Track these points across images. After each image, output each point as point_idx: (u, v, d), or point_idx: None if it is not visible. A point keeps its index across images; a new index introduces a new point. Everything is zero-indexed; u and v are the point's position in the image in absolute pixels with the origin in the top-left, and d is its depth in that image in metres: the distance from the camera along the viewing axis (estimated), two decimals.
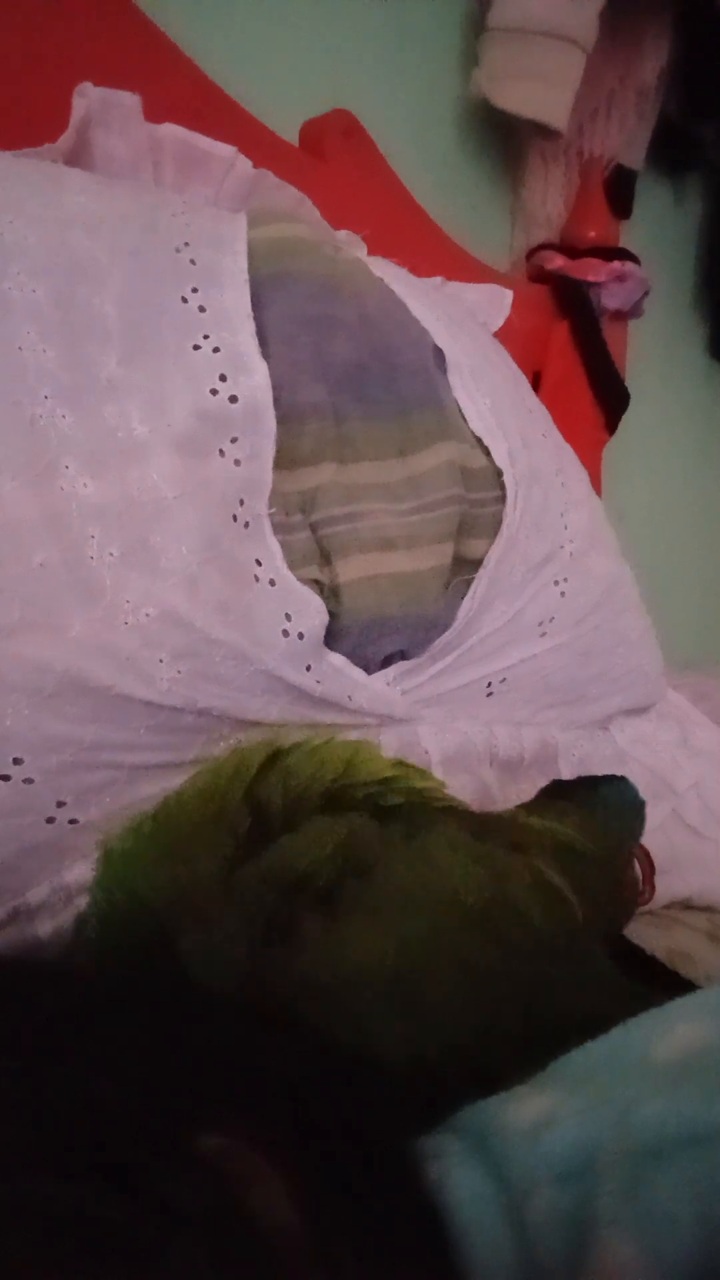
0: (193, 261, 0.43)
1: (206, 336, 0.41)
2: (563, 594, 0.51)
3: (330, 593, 0.43)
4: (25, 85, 0.53)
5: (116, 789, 0.40)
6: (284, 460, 0.42)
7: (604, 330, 0.96)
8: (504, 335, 0.64)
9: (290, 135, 0.72)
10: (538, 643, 0.51)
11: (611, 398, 0.97)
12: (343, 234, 0.60)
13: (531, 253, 0.97)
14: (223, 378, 0.41)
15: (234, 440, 0.41)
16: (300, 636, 0.41)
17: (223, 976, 0.34)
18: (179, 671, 0.39)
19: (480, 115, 0.90)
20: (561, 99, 0.83)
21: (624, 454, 1.02)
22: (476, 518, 0.47)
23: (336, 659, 0.43)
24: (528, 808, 0.47)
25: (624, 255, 0.96)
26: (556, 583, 0.51)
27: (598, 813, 0.48)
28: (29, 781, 0.38)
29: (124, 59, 0.58)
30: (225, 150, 0.54)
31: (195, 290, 0.42)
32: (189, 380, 0.41)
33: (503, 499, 0.48)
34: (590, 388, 0.95)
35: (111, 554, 0.38)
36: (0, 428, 0.38)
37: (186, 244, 0.43)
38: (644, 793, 0.50)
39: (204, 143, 0.54)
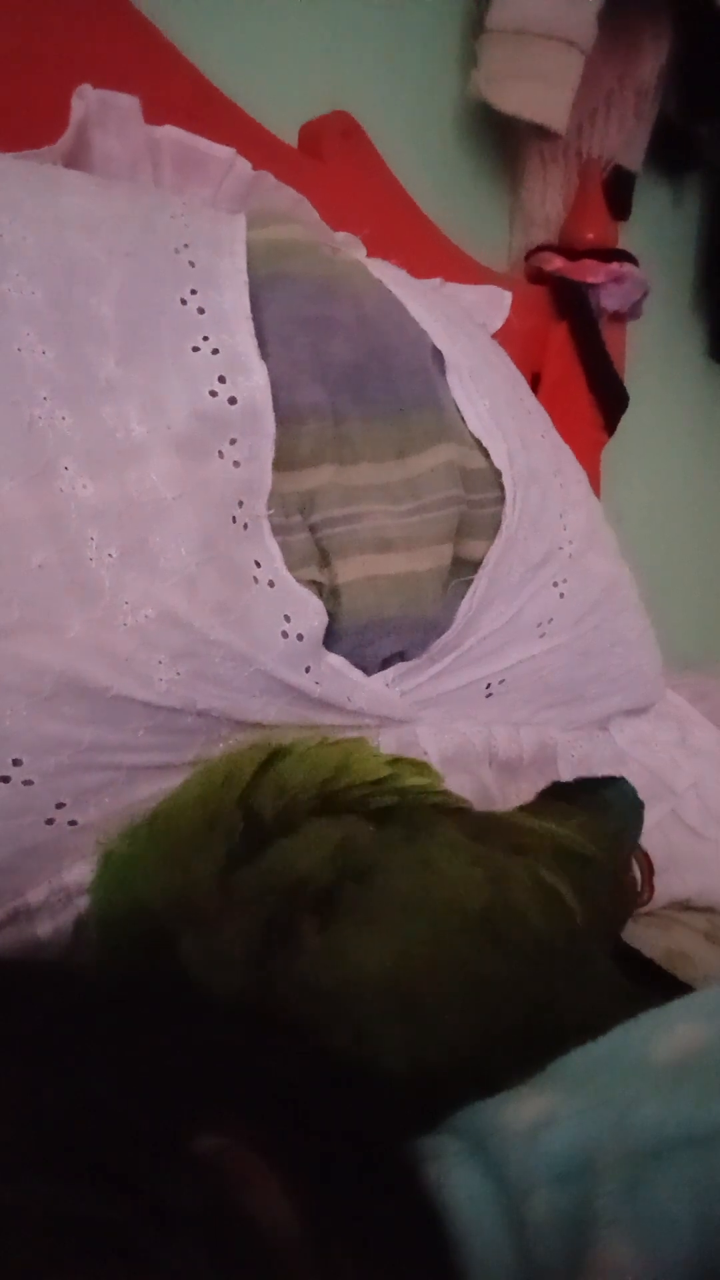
0: (191, 263, 0.43)
1: (205, 338, 0.41)
2: (561, 594, 0.51)
3: (329, 594, 0.43)
4: (25, 86, 0.53)
5: (115, 790, 0.40)
6: (283, 461, 0.42)
7: (603, 331, 0.96)
8: (503, 336, 0.64)
9: (289, 136, 0.72)
10: (536, 643, 0.51)
11: (610, 399, 0.97)
12: (341, 235, 0.60)
13: (530, 254, 0.97)
14: (221, 379, 0.41)
15: (233, 441, 0.41)
16: (299, 637, 0.41)
17: (222, 978, 0.33)
18: (177, 672, 0.39)
19: (479, 116, 0.90)
20: (560, 100, 0.82)
21: (623, 455, 1.02)
22: (475, 519, 0.47)
23: (335, 660, 0.43)
24: (528, 809, 0.47)
25: (623, 256, 0.96)
26: (555, 583, 0.51)
27: (598, 814, 0.48)
28: (28, 783, 0.38)
29: (123, 60, 0.58)
30: (224, 151, 0.54)
31: (194, 291, 0.42)
32: (188, 381, 0.41)
33: (501, 500, 0.48)
34: (589, 389, 0.95)
35: (110, 555, 0.38)
36: None
37: (185, 245, 0.43)
38: (643, 793, 0.50)
39: (202, 144, 0.54)
